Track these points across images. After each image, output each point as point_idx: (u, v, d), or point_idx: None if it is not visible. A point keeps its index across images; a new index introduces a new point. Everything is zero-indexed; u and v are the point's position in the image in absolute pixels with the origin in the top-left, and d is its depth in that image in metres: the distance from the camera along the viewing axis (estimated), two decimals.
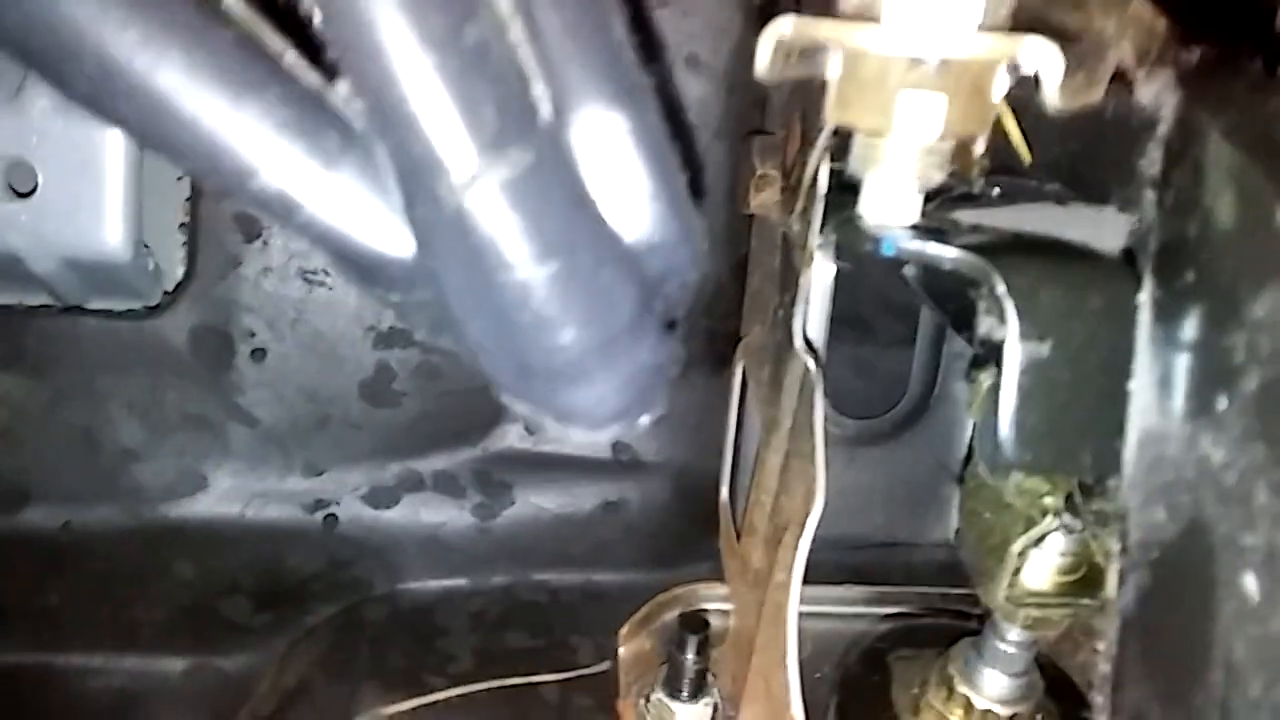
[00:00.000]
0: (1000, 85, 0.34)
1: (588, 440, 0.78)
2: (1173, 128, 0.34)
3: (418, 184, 0.24)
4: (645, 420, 0.29)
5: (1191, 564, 0.30)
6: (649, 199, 0.28)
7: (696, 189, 0.30)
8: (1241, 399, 0.28)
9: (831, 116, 0.35)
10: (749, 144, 0.69)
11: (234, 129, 0.26)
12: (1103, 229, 0.38)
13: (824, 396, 0.72)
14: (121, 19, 0.24)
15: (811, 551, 0.75)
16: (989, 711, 0.54)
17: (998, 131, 0.48)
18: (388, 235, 0.26)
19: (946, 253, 0.37)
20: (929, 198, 0.41)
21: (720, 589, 0.74)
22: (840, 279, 0.58)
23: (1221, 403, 0.29)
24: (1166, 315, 0.33)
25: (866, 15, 0.33)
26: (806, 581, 0.70)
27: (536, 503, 0.77)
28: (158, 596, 0.72)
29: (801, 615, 0.70)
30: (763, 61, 0.35)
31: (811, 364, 0.57)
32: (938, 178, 0.36)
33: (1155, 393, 0.33)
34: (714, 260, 0.75)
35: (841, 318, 0.68)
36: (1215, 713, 0.28)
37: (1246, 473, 0.27)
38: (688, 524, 0.78)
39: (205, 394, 0.72)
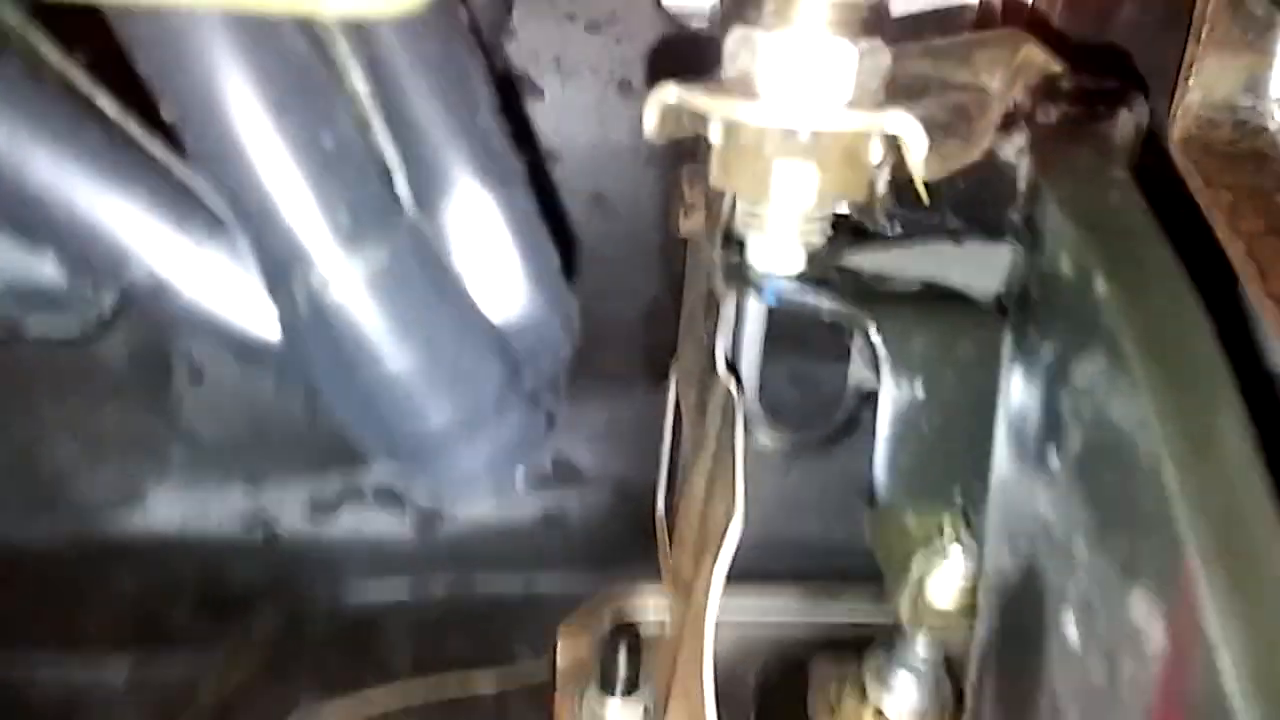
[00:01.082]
0: (875, 152, 0.35)
1: None
2: (1025, 188, 0.36)
3: (278, 280, 0.25)
4: (518, 482, 0.30)
5: (1028, 605, 0.32)
6: (519, 278, 0.29)
7: (569, 266, 0.31)
8: (1068, 457, 0.30)
9: (715, 181, 0.36)
10: (679, 170, 0.70)
11: (104, 219, 0.26)
12: (986, 271, 0.39)
13: (752, 415, 0.74)
14: None
15: (749, 554, 0.77)
16: (900, 718, 0.56)
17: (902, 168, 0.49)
18: (259, 318, 0.27)
19: (824, 303, 0.38)
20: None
21: (655, 593, 0.76)
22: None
23: (1052, 458, 0.31)
24: (1016, 366, 0.35)
25: (745, 86, 0.35)
26: (740, 586, 0.72)
27: (478, 512, 0.79)
28: (99, 607, 0.73)
29: (730, 622, 0.73)
30: (650, 125, 0.36)
31: (733, 387, 0.58)
32: (819, 240, 0.37)
33: (1007, 441, 0.34)
34: (650, 277, 0.76)
35: (779, 332, 0.70)
36: None
37: (1070, 527, 0.29)
38: (627, 533, 0.80)
39: (144, 413, 0.72)
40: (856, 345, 0.39)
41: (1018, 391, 0.35)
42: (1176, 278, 0.30)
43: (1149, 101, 0.57)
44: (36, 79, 0.26)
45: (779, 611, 0.74)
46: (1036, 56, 0.47)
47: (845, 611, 0.74)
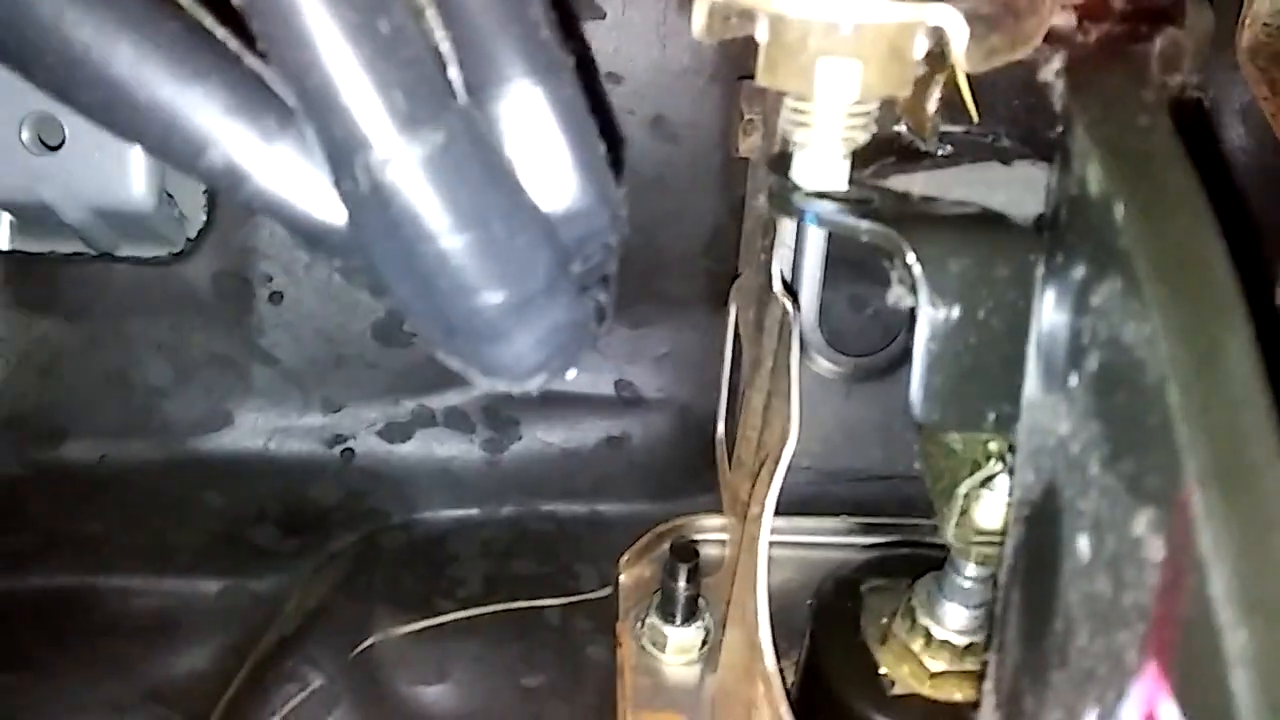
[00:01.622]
0: (919, 47, 0.36)
1: (591, 378, 0.82)
2: (1061, 110, 0.36)
3: (341, 162, 0.27)
4: (570, 374, 0.32)
5: (1047, 522, 0.32)
6: (567, 168, 0.31)
7: (616, 160, 0.32)
8: (1086, 377, 0.30)
9: (761, 78, 0.37)
10: (739, 88, 0.70)
11: (183, 111, 0.28)
12: (1029, 193, 0.40)
13: (812, 340, 0.75)
14: (77, 18, 0.27)
15: (810, 484, 0.78)
16: (946, 641, 0.57)
17: (953, 86, 0.50)
18: (325, 205, 0.29)
19: (862, 224, 0.39)
20: (874, 157, 0.43)
21: (718, 520, 0.78)
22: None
23: (1073, 379, 0.31)
24: (1047, 289, 0.35)
25: None
26: (799, 513, 0.73)
27: (543, 437, 0.81)
28: (190, 524, 0.77)
29: (789, 544, 0.74)
30: (698, 25, 0.37)
31: (789, 306, 0.59)
32: (863, 138, 0.38)
33: (1036, 363, 0.35)
34: (711, 201, 0.77)
35: (839, 256, 0.70)
36: (1056, 657, 0.31)
37: (1085, 445, 0.30)
38: (688, 458, 0.81)
39: (228, 335, 0.76)
40: (896, 269, 0.39)
41: (1047, 314, 0.35)
42: (1196, 203, 0.29)
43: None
44: None
45: (836, 535, 0.76)
46: None
47: (902, 536, 0.74)
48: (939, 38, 0.35)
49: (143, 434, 0.76)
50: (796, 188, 0.40)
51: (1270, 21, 0.57)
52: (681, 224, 0.78)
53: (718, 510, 0.77)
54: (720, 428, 0.77)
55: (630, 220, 0.75)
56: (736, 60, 0.74)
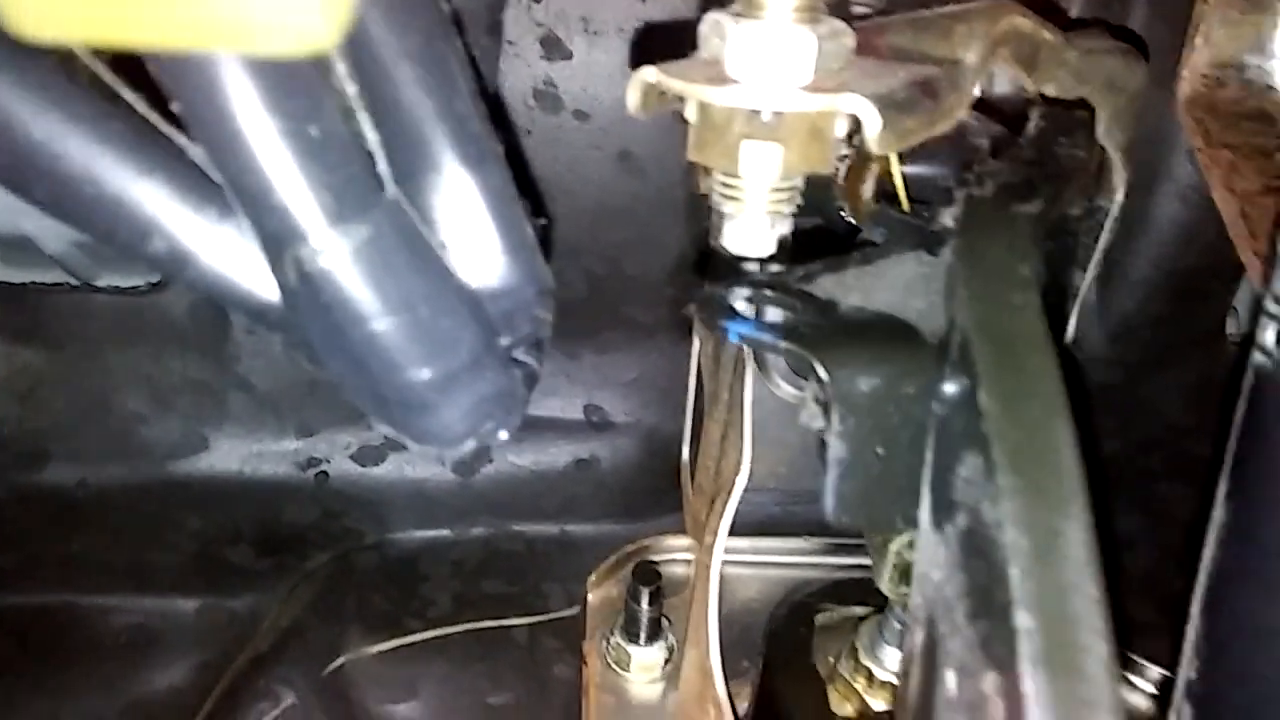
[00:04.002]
0: (839, 128, 0.38)
1: (561, 402, 0.84)
2: (948, 267, 0.38)
3: (275, 252, 0.29)
4: (501, 436, 0.34)
5: (929, 648, 0.35)
6: (496, 250, 0.33)
7: (546, 239, 0.34)
8: (957, 532, 0.33)
9: (691, 155, 0.39)
10: None
11: (129, 203, 0.30)
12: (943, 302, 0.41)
13: (774, 366, 0.76)
14: (28, 119, 0.29)
15: (775, 505, 0.80)
16: (887, 682, 0.59)
17: (888, 173, 0.52)
18: (265, 284, 0.31)
19: (780, 344, 0.41)
20: (802, 258, 0.44)
21: (684, 540, 0.80)
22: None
23: (948, 528, 0.33)
24: (940, 426, 0.37)
25: (716, 69, 0.37)
26: (763, 533, 0.75)
27: (514, 460, 0.83)
28: (168, 545, 0.79)
29: (752, 564, 0.76)
30: (633, 102, 0.39)
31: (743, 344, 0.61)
32: (788, 209, 0.40)
33: (927, 494, 0.37)
34: (677, 232, 0.79)
35: None
36: None
37: (955, 593, 0.32)
38: (655, 480, 0.84)
39: (205, 363, 0.78)
40: (809, 385, 0.41)
41: (937, 451, 0.37)
42: (1051, 391, 0.32)
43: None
44: (70, 75, 0.30)
45: (798, 555, 0.78)
46: (1023, 26, 0.48)
47: (862, 559, 0.76)
48: (856, 122, 0.37)
49: (121, 458, 0.78)
50: (720, 308, 0.42)
51: (1208, 73, 0.59)
52: (648, 253, 0.80)
53: (684, 530, 0.79)
54: (685, 451, 0.79)
55: (598, 250, 0.77)
56: None
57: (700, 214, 0.78)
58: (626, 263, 0.80)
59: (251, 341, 0.78)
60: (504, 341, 0.32)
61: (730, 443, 0.64)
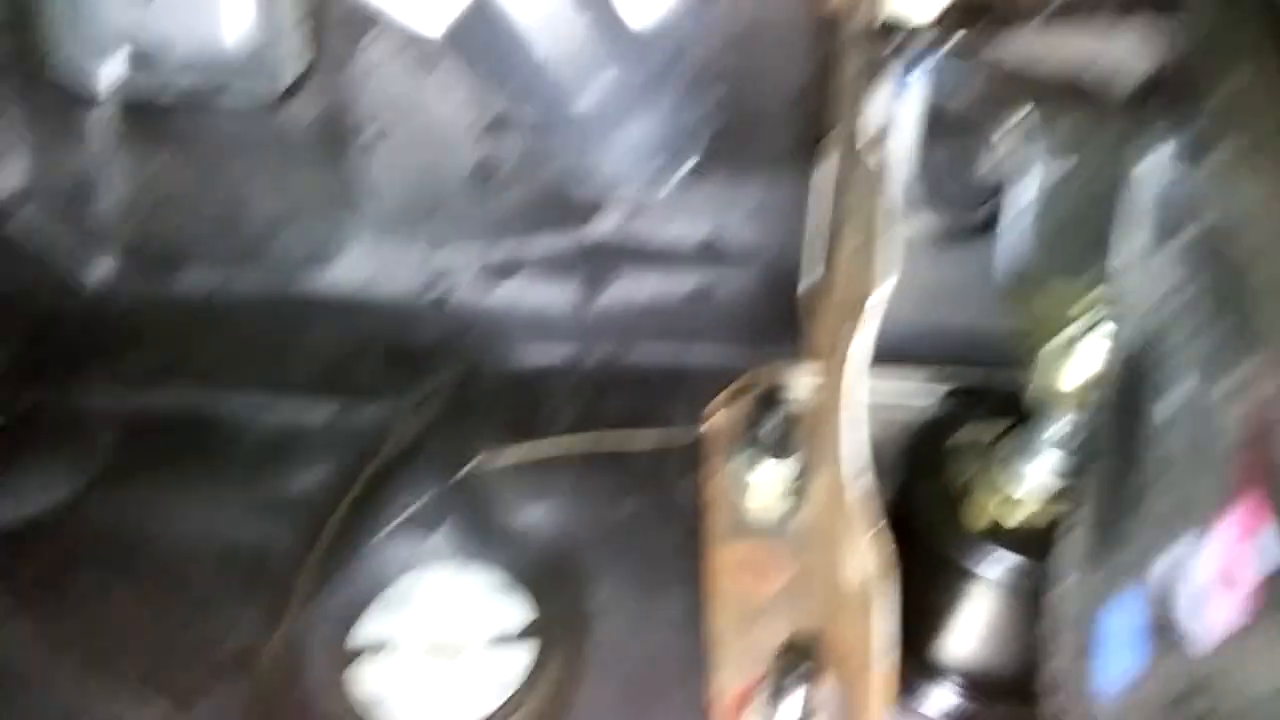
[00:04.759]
0: None
1: (681, 230, 0.83)
2: None
3: None
4: (682, 172, 0.32)
5: (1135, 381, 0.34)
6: None
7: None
8: (1182, 244, 0.31)
9: None
10: None
11: None
12: (1135, 55, 0.39)
13: (908, 197, 0.75)
14: None
15: (897, 340, 0.80)
16: (1023, 499, 0.59)
17: None
18: (430, 20, 0.30)
19: (975, 79, 0.39)
20: (979, 17, 0.43)
21: (804, 369, 0.80)
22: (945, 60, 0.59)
23: (1171, 245, 0.32)
24: (1151, 153, 0.35)
25: None
26: (885, 368, 0.75)
27: (634, 285, 0.83)
28: (298, 355, 0.81)
29: (872, 401, 0.76)
30: None
31: (883, 153, 0.59)
32: None
33: (1134, 224, 0.36)
34: (801, 60, 0.76)
35: (942, 106, 0.70)
36: (1152, 486, 0.33)
37: (1176, 310, 0.31)
38: (775, 310, 0.83)
39: (330, 176, 0.78)
40: (998, 131, 0.39)
41: (1149, 177, 0.36)
42: None
43: None
44: None
45: (921, 393, 0.77)
46: None
47: (985, 379, 0.76)
48: None
49: (254, 267, 0.80)
50: (912, 40, 0.40)
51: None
52: (773, 80, 0.77)
53: (803, 361, 0.79)
54: (806, 280, 0.79)
55: (723, 76, 0.75)
56: None
57: (825, 39, 0.75)
58: (751, 90, 0.78)
59: (376, 156, 0.78)
60: (673, 79, 0.31)
61: (870, 255, 0.63)
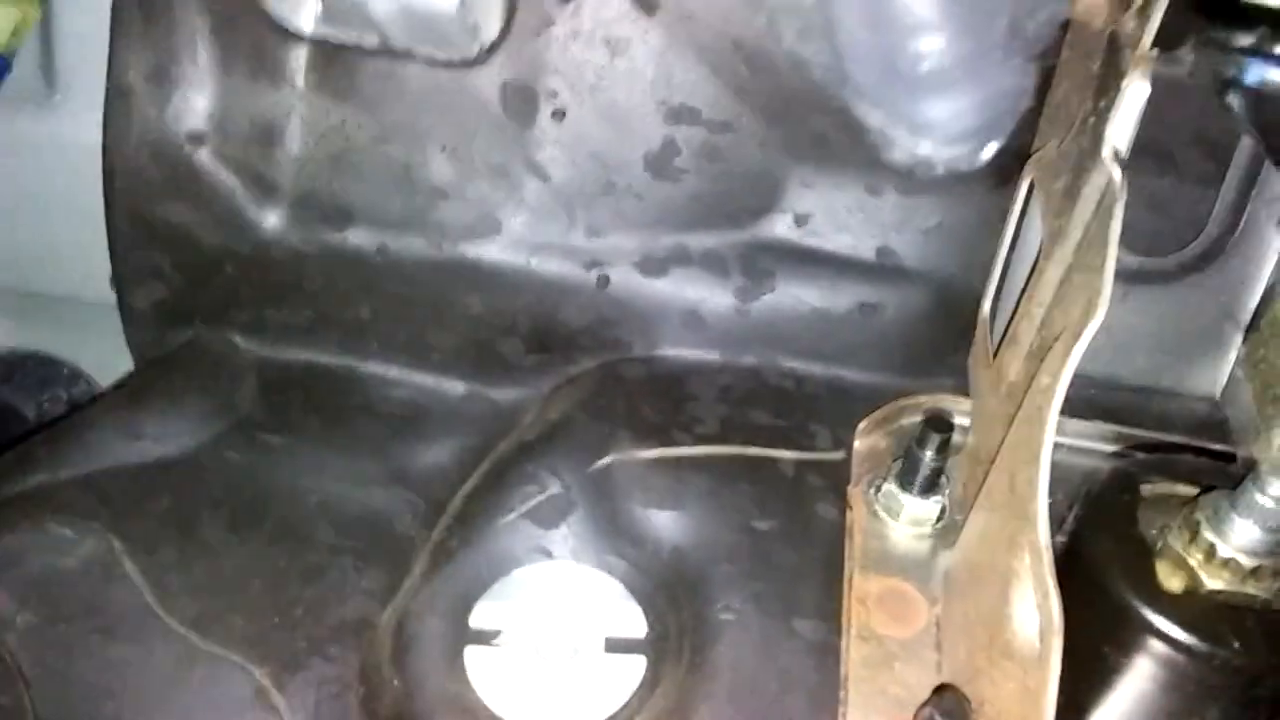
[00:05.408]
0: None
1: (853, 241, 0.79)
2: None
3: None
4: (989, 152, 0.30)
5: None
6: None
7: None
8: None
9: None
10: None
11: None
12: None
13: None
14: None
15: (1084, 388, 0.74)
16: (1231, 560, 0.53)
17: None
18: None
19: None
20: None
21: (962, 403, 0.75)
22: (1150, 101, 0.55)
23: None
24: None
25: None
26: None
27: (796, 293, 0.80)
28: (447, 325, 0.80)
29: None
30: None
31: (1117, 175, 0.55)
32: None
33: None
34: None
35: (1143, 146, 0.65)
36: None
37: None
38: (940, 336, 0.79)
39: (508, 146, 0.77)
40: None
41: None
42: None
43: None
44: None
45: (1101, 438, 0.72)
46: None
47: (1168, 449, 0.70)
48: None
49: (419, 231, 0.79)
50: (1246, 50, 0.36)
51: None
52: None
53: (961, 393, 0.75)
54: (986, 306, 0.74)
55: None
56: None
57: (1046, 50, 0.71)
58: None
59: (556, 130, 0.76)
60: (1030, 28, 0.28)
61: (1075, 286, 0.59)
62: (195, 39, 0.76)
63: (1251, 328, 0.74)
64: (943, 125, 0.28)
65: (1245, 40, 0.36)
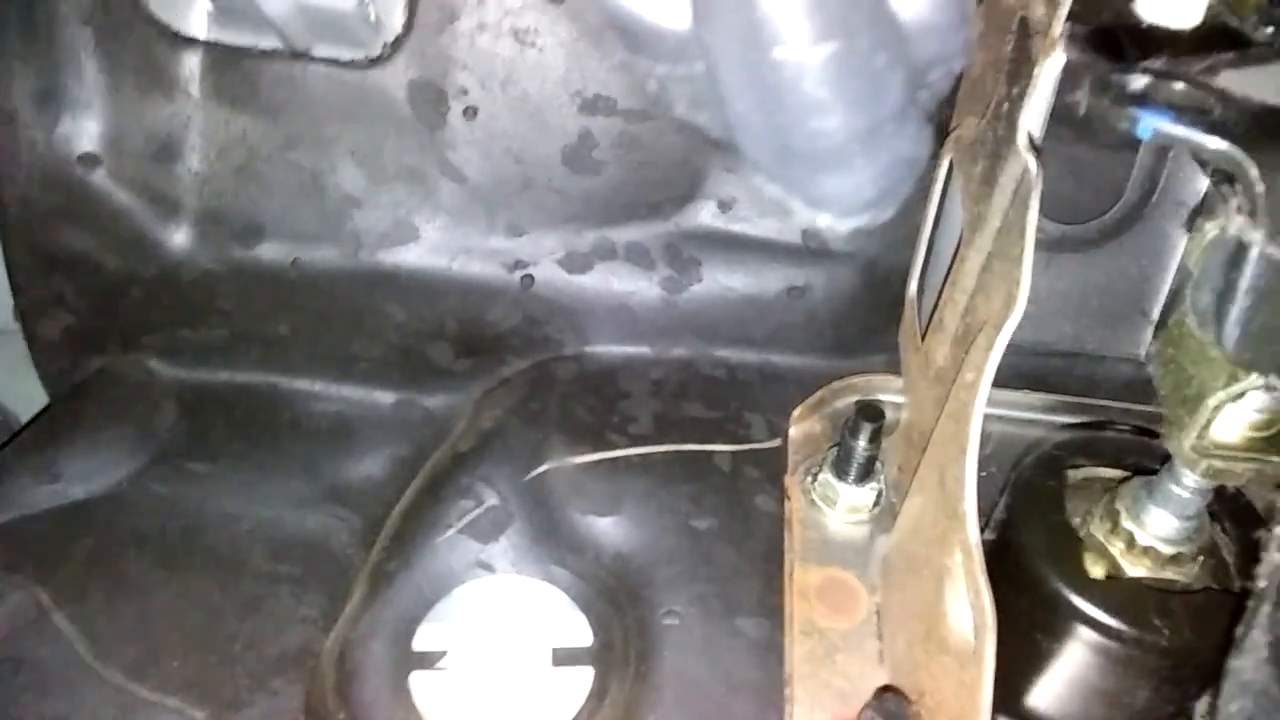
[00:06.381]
0: None
1: (778, 225, 0.78)
2: None
3: None
4: (889, 213, 0.29)
5: None
6: None
7: None
8: None
9: None
10: None
11: None
12: None
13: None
14: None
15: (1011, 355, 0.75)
16: (1150, 548, 0.54)
17: None
18: (666, 5, 0.26)
19: (1208, 143, 0.34)
20: (1202, 50, 0.38)
21: (894, 381, 0.75)
22: (1067, 70, 0.54)
23: None
24: None
25: None
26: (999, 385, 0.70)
27: (723, 281, 0.79)
28: (372, 335, 0.78)
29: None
30: None
31: (1032, 164, 0.54)
32: None
33: None
34: None
35: (1059, 114, 0.64)
36: None
37: None
38: (869, 315, 0.79)
39: (420, 148, 0.74)
40: (1235, 194, 0.34)
41: None
42: None
43: None
44: None
45: (1025, 410, 0.73)
46: None
47: (1099, 413, 0.71)
48: None
49: (333, 241, 0.77)
50: (1124, 95, 0.36)
51: None
52: None
53: (893, 371, 0.75)
54: (912, 286, 0.74)
55: None
56: None
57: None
58: None
59: (468, 128, 0.74)
60: (924, 94, 0.27)
61: (996, 274, 0.58)
62: (79, 54, 0.72)
63: (1160, 325, 0.75)
64: (840, 199, 0.27)
65: (1136, 85, 0.35)
